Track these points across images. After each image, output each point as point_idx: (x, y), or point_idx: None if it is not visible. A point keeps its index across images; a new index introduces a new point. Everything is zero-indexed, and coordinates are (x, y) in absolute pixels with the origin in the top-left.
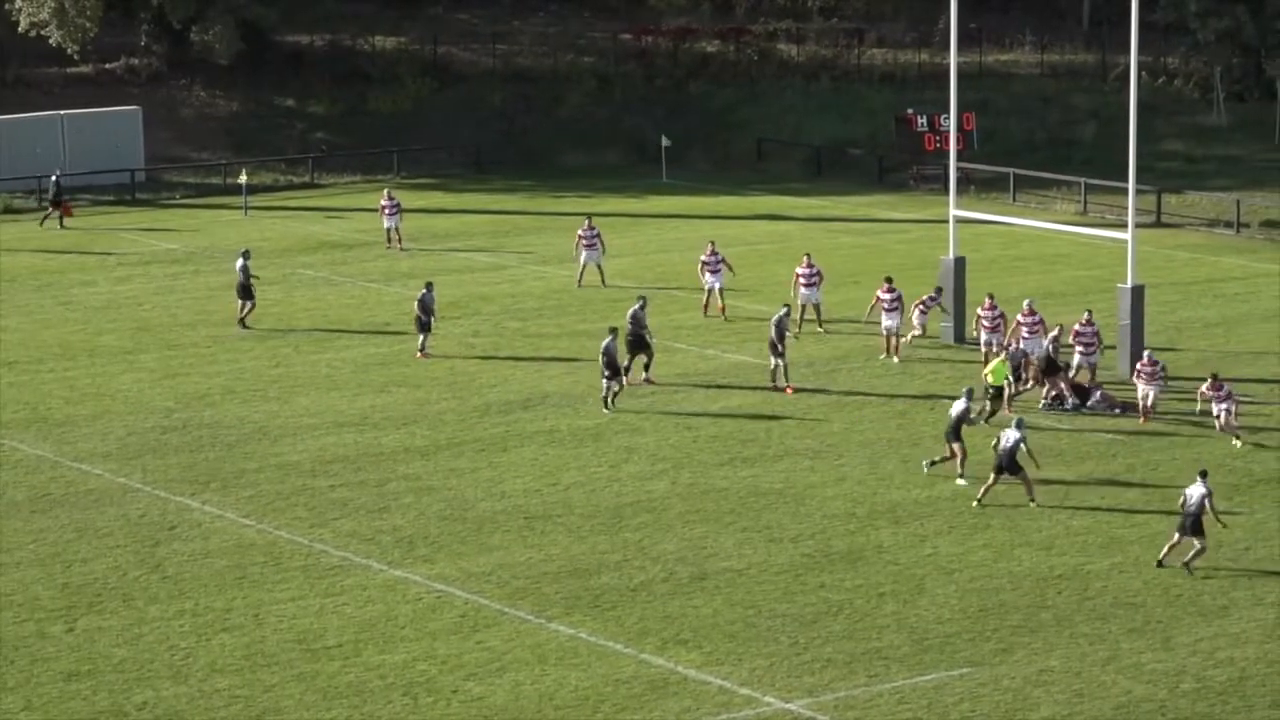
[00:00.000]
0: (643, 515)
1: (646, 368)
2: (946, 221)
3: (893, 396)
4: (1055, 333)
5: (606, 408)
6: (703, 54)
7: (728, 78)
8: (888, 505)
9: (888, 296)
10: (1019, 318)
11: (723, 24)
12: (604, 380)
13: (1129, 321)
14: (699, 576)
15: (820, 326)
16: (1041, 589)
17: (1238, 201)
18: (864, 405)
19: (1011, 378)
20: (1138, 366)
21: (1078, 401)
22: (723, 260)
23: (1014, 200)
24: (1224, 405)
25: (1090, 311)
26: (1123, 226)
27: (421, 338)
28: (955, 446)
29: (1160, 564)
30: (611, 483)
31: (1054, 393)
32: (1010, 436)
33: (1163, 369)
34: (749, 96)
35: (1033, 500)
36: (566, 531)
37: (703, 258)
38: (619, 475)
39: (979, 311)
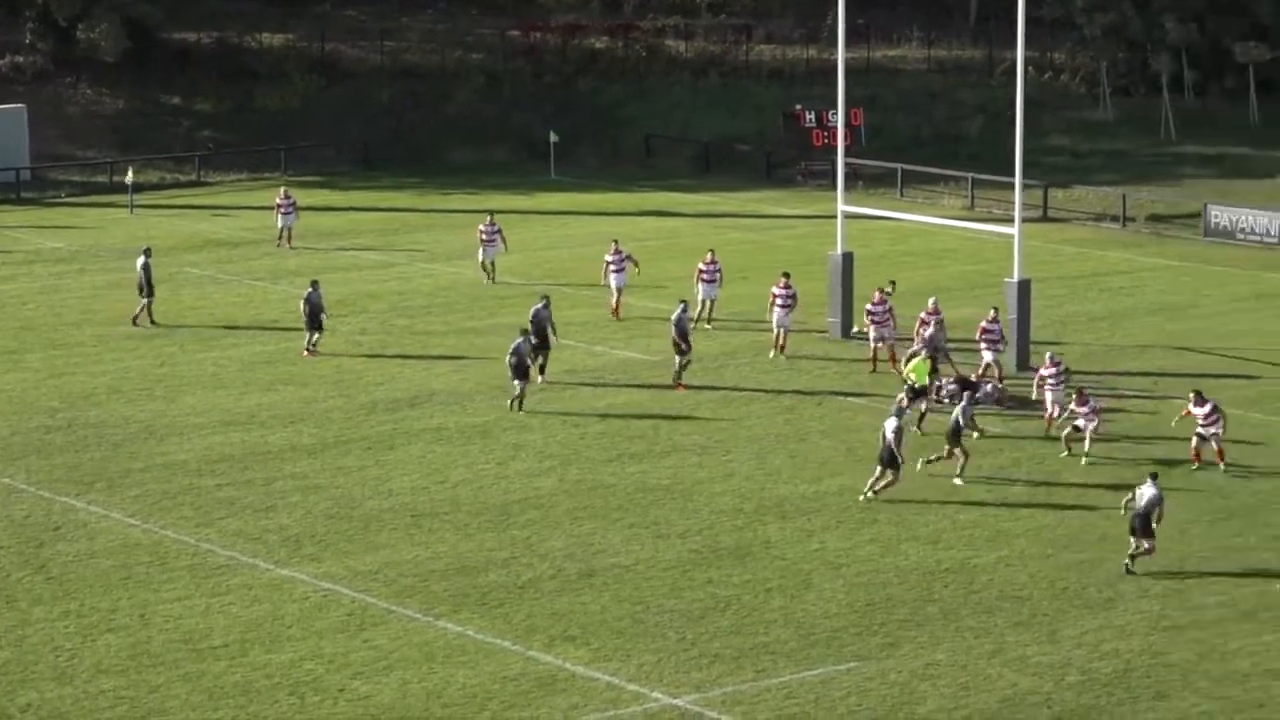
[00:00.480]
0: (530, 512)
1: (542, 369)
2: (834, 217)
3: (780, 392)
4: (932, 329)
5: (512, 409)
6: (591, 50)
7: (616, 74)
8: (775, 501)
9: (782, 293)
10: (923, 314)
11: (611, 20)
12: (513, 382)
13: (1016, 316)
14: (587, 573)
15: (708, 323)
16: (928, 583)
17: (1124, 196)
18: (751, 401)
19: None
20: (1041, 372)
21: (954, 392)
22: (627, 258)
23: (901, 196)
24: (1092, 422)
25: (996, 309)
26: (1009, 221)
27: (311, 336)
28: (956, 450)
29: (1129, 570)
30: (499, 480)
31: (939, 387)
32: (891, 425)
33: (1065, 371)
34: (637, 93)
35: (871, 494)
36: (454, 529)
37: (607, 257)
38: (506, 472)
39: (867, 306)
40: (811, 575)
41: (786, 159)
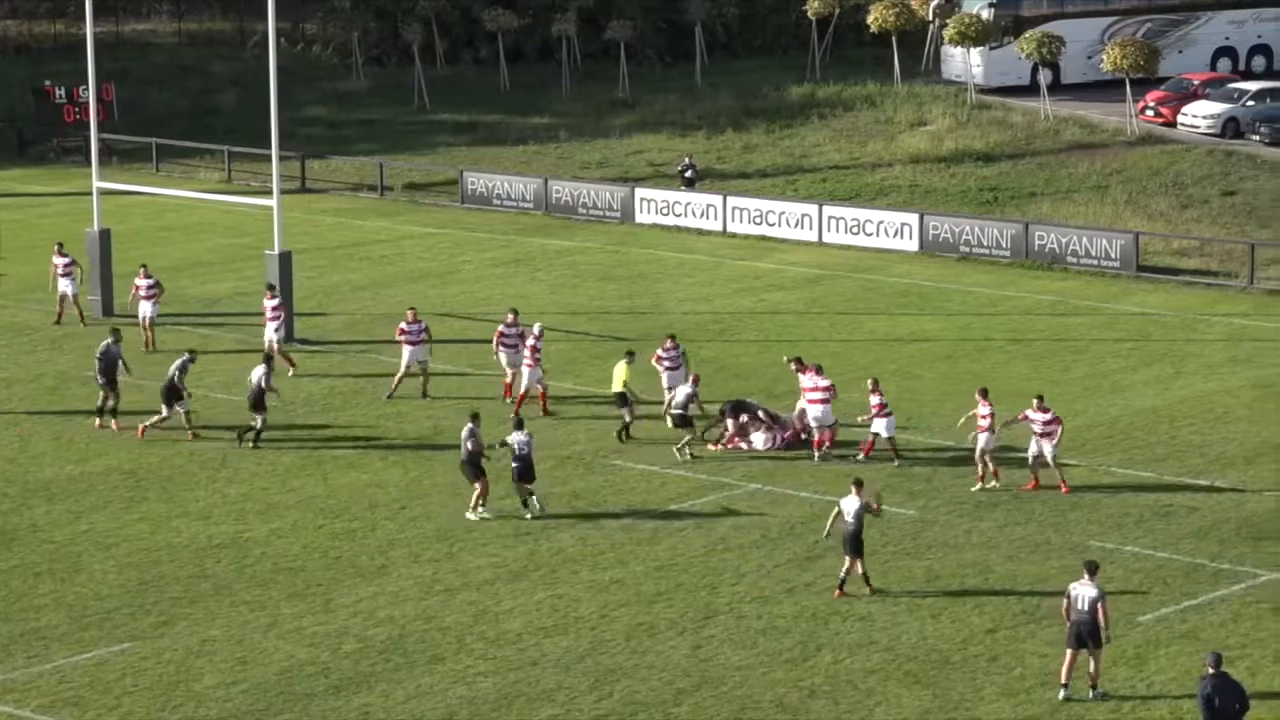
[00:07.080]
0: None
1: None
2: (90, 194)
3: (40, 372)
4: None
5: None
6: None
7: None
8: (41, 483)
9: (145, 283)
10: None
11: None
12: None
13: (278, 287)
14: None
15: None
16: (200, 559)
17: (380, 165)
18: (11, 385)
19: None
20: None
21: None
22: None
23: (158, 170)
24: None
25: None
26: (268, 193)
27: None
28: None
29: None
30: None
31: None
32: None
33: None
34: None
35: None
36: None
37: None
38: None
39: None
40: (81, 557)
41: (39, 136)
